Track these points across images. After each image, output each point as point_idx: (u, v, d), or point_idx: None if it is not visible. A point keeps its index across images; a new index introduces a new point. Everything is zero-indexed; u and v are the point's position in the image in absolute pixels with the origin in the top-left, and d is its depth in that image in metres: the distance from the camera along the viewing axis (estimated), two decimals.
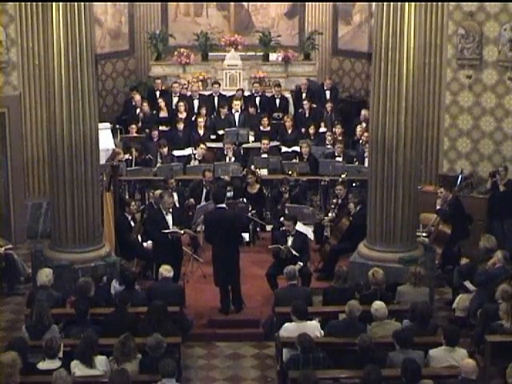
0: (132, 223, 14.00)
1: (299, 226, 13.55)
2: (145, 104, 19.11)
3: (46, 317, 10.34)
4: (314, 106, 19.47)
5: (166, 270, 11.68)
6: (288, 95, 20.29)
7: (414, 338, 9.96)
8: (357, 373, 9.52)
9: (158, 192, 14.29)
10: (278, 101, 19.88)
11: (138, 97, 19.45)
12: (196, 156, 17.14)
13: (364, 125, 17.67)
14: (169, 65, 21.28)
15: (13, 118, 15.25)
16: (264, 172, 16.84)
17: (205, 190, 15.72)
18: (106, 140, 16.99)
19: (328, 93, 20.11)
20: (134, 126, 18.12)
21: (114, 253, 13.19)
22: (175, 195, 14.78)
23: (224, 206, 12.94)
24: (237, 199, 15.67)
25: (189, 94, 19.94)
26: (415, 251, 12.77)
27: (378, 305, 10.53)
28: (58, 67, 12.15)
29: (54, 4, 12.03)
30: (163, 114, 19.18)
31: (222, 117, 19.00)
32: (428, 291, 11.66)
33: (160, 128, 18.48)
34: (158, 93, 19.98)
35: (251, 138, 18.41)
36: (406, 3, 12.03)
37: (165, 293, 11.35)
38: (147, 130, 18.40)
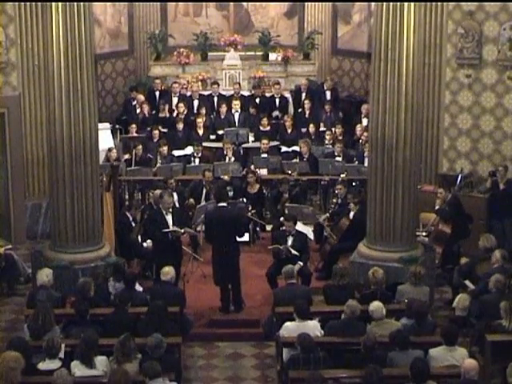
0: (133, 224, 14.00)
1: (299, 226, 13.55)
2: (145, 104, 19.11)
3: (50, 318, 10.34)
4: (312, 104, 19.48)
5: (165, 275, 11.62)
6: (288, 95, 20.29)
7: (413, 337, 9.98)
8: (357, 372, 9.52)
9: (157, 192, 14.26)
10: (277, 100, 19.89)
11: (141, 97, 19.44)
12: (195, 154, 17.17)
13: (365, 122, 17.66)
14: (168, 65, 21.27)
15: (12, 118, 15.24)
16: (264, 172, 16.84)
17: (205, 190, 15.73)
18: (106, 140, 16.99)
19: (328, 93, 20.12)
20: (133, 126, 18.12)
21: (114, 253, 13.20)
22: (175, 195, 14.78)
23: (225, 204, 12.94)
24: (237, 199, 15.67)
25: (188, 93, 19.93)
26: (415, 251, 12.78)
27: (374, 306, 10.52)
28: (57, 67, 12.17)
29: (53, 4, 12.04)
30: (163, 114, 19.17)
31: (222, 116, 19.01)
32: (428, 290, 11.67)
33: (159, 128, 18.46)
34: (157, 93, 19.98)
35: (251, 138, 18.42)
36: (406, 3, 12.04)
37: (165, 296, 11.23)
38: (148, 129, 18.41)
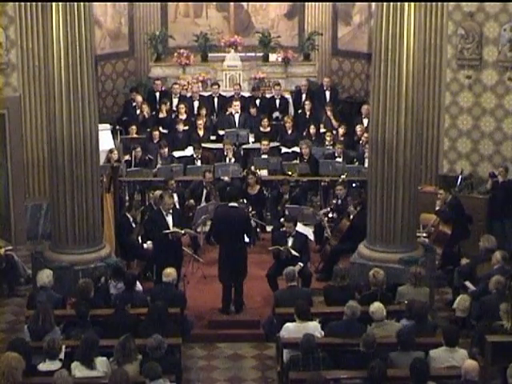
0: (133, 225, 13.99)
1: (299, 227, 13.55)
2: (145, 105, 19.11)
3: (50, 319, 10.33)
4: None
5: (166, 276, 11.62)
6: (288, 96, 20.30)
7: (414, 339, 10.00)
8: (358, 373, 9.52)
9: (158, 193, 14.27)
10: (277, 101, 19.89)
11: (139, 98, 19.45)
12: (194, 155, 17.18)
13: (365, 122, 17.65)
14: (168, 66, 21.28)
15: (13, 119, 15.26)
16: (264, 173, 16.83)
17: (205, 191, 15.73)
18: (106, 141, 16.98)
19: (328, 93, 20.12)
20: (134, 127, 18.11)
21: (114, 254, 13.20)
22: (175, 196, 14.78)
23: (236, 204, 12.95)
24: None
25: (189, 94, 19.94)
26: (415, 252, 12.78)
27: (375, 307, 10.51)
28: (57, 68, 12.17)
29: (53, 5, 12.04)
30: (163, 115, 19.18)
31: (227, 114, 18.99)
32: (428, 291, 11.67)
33: (160, 129, 18.46)
34: (157, 94, 19.99)
35: (251, 139, 18.42)
36: (406, 3, 12.05)
37: (165, 297, 11.19)
38: (148, 130, 18.41)
